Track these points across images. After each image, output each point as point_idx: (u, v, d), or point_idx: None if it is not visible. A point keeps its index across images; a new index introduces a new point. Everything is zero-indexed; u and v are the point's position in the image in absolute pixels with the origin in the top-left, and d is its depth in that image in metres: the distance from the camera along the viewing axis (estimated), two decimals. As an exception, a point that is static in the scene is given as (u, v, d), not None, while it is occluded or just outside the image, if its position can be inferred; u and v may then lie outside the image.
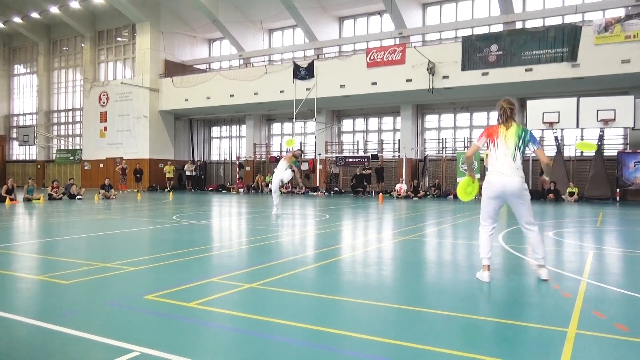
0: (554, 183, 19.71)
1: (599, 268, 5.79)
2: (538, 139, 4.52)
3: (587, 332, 3.40)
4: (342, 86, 22.72)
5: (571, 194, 19.28)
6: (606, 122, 18.10)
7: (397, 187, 22.66)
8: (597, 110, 18.18)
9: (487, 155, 4.86)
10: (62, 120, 36.00)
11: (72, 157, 33.57)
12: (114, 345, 3.07)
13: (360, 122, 27.30)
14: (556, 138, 20.39)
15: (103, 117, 30.62)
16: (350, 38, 27.17)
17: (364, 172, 23.70)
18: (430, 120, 25.42)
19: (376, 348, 3.10)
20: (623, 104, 17.98)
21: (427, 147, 25.08)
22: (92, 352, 3.01)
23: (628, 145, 20.47)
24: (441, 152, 24.36)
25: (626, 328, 3.49)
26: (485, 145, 4.87)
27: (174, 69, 29.23)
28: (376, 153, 25.06)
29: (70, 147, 34.85)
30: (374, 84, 21.96)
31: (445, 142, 24.48)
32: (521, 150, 4.80)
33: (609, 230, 9.81)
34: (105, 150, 30.55)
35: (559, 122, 18.94)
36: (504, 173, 4.73)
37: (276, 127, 30.35)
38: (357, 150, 26.65)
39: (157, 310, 3.88)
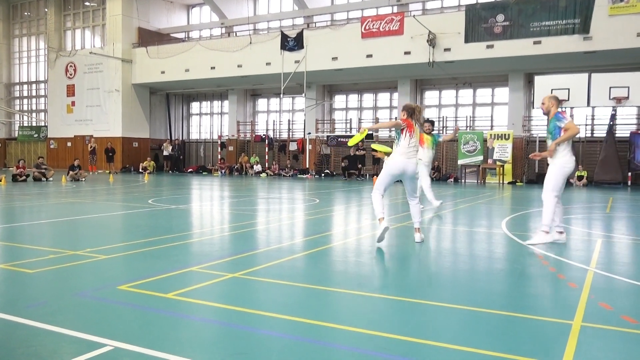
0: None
1: (607, 257, 5.89)
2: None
3: (592, 325, 3.47)
4: (335, 58, 22.57)
5: (580, 177, 19.49)
6: (619, 100, 18.21)
7: (393, 169, 22.71)
8: (610, 88, 18.27)
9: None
10: (25, 93, 35.42)
11: (36, 135, 33.13)
12: (85, 339, 3.08)
13: (353, 98, 27.21)
14: (565, 117, 20.50)
15: (70, 90, 30.15)
16: (344, 5, 26.90)
17: (357, 153, 23.73)
18: (430, 96, 25.41)
19: (370, 342, 3.14)
20: (637, 81, 18.08)
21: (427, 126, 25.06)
22: (60, 346, 3.02)
23: (642, 126, 20.69)
24: (441, 131, 24.40)
25: (634, 320, 3.56)
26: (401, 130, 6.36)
27: (148, 37, 28.78)
28: (371, 132, 25.02)
29: (34, 124, 34.37)
30: (369, 56, 21.83)
31: (446, 120, 24.52)
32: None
33: (619, 217, 9.96)
34: (73, 128, 30.17)
35: (568, 99, 19.01)
36: (410, 156, 6.32)
37: (262, 103, 30.16)
38: (350, 129, 26.61)
39: (131, 302, 3.89)
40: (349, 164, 23.76)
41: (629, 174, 19.51)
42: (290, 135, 28.17)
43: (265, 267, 5.14)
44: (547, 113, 6.48)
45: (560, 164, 6.27)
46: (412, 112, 6.43)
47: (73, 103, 30.12)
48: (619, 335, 3.30)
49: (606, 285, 4.60)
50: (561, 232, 6.53)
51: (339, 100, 27.54)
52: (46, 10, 31.97)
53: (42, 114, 34.36)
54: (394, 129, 6.46)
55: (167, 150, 28.72)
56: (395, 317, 3.68)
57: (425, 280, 4.85)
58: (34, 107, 35.17)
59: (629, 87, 18.07)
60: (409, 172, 6.32)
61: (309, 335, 3.26)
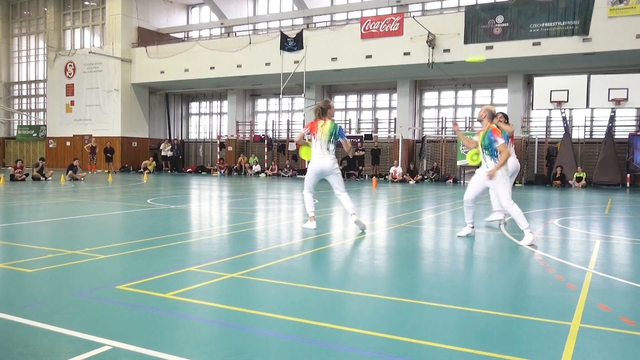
0: (560, 167, 19.91)
1: (606, 258, 5.89)
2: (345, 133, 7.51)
3: (591, 326, 3.47)
4: (334, 59, 22.57)
5: (579, 179, 19.50)
6: (618, 101, 18.24)
7: (392, 170, 22.74)
8: (609, 89, 18.30)
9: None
10: (24, 92, 35.40)
11: (35, 134, 33.11)
12: (83, 339, 3.07)
13: (353, 99, 27.22)
14: (564, 119, 20.53)
15: (69, 90, 30.14)
16: (343, 6, 26.91)
17: (356, 153, 23.72)
18: (429, 97, 25.42)
19: (369, 343, 3.14)
20: (636, 83, 18.11)
21: (426, 126, 25.11)
22: (58, 346, 3.01)
23: (640, 127, 20.72)
24: (440, 132, 24.42)
25: (632, 322, 3.56)
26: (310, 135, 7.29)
27: (148, 37, 28.77)
28: (370, 133, 25.04)
29: (33, 123, 34.33)
30: (368, 57, 21.84)
31: (445, 121, 24.53)
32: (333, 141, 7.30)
33: (617, 218, 9.97)
34: (73, 127, 30.16)
35: (567, 101, 19.05)
36: (323, 157, 7.24)
37: (261, 104, 30.15)
38: (350, 129, 26.61)
39: (129, 302, 3.88)
40: (348, 165, 23.76)
41: (628, 175, 19.53)
42: (290, 136, 28.16)
43: (264, 267, 5.13)
44: (480, 121, 6.93)
45: (501, 174, 6.67)
46: (317, 112, 7.33)
47: (72, 102, 30.09)
48: (617, 337, 3.30)
49: (605, 287, 4.60)
50: (472, 227, 7.08)
51: (338, 100, 27.54)
52: (46, 9, 31.95)
53: (41, 113, 34.33)
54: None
55: (165, 150, 28.66)
56: (393, 317, 3.68)
57: (423, 280, 4.85)
58: (33, 107, 35.13)
59: (628, 89, 18.11)
60: (326, 171, 7.31)
61: (306, 335, 3.26)
